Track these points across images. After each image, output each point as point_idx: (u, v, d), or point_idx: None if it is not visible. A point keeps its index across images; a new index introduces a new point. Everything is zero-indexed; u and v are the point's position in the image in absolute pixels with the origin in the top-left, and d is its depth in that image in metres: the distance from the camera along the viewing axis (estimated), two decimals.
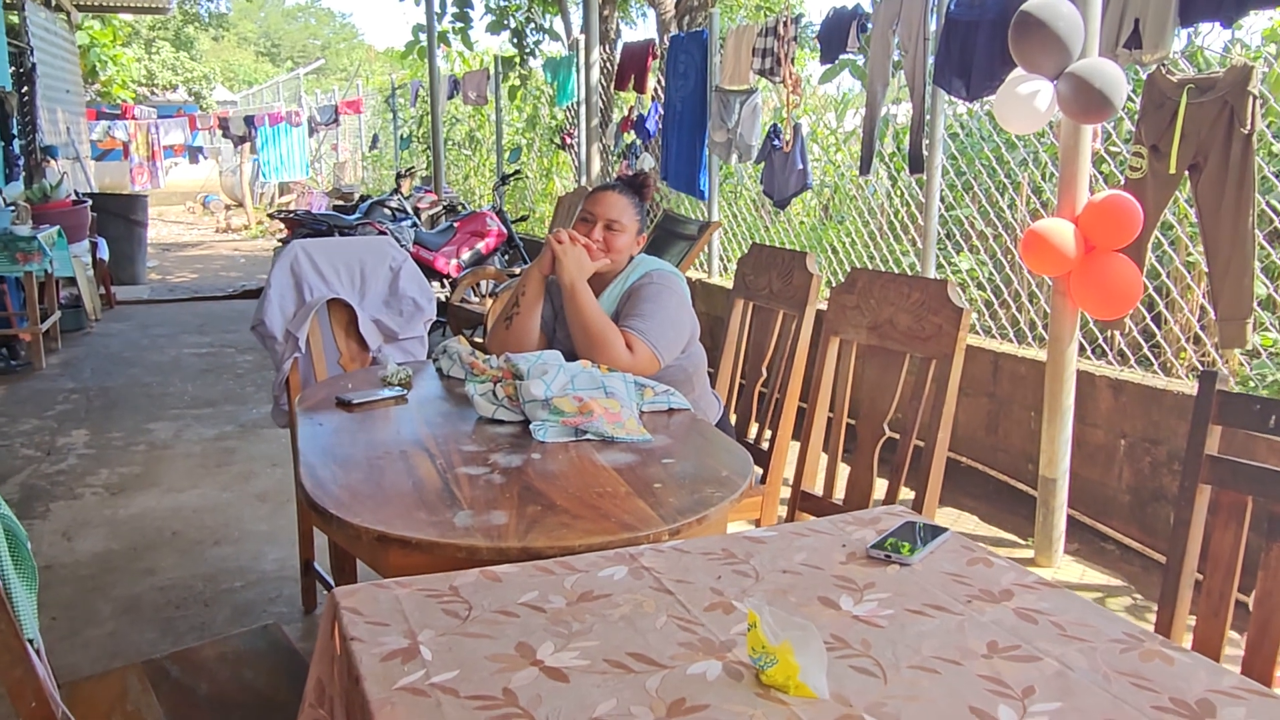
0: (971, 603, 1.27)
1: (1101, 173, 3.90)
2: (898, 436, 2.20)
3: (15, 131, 8.01)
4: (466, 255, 6.87)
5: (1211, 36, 3.89)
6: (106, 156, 15.23)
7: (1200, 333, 3.73)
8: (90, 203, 8.22)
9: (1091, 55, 2.97)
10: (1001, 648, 1.14)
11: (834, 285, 2.43)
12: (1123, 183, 3.24)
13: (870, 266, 5.06)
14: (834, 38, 4.63)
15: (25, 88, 8.57)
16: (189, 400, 5.39)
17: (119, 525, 3.61)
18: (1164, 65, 3.14)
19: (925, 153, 4.17)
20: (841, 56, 4.77)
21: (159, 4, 14.58)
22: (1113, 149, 4.00)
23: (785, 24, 4.94)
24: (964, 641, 1.16)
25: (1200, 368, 3.62)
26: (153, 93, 22.15)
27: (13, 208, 6.22)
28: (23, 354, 6.06)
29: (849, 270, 2.46)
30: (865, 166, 4.62)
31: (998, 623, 1.21)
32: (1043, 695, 1.04)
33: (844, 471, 2.34)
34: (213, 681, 1.73)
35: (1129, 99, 3.11)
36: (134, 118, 15.85)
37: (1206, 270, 3.04)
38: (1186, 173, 2.99)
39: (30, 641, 1.39)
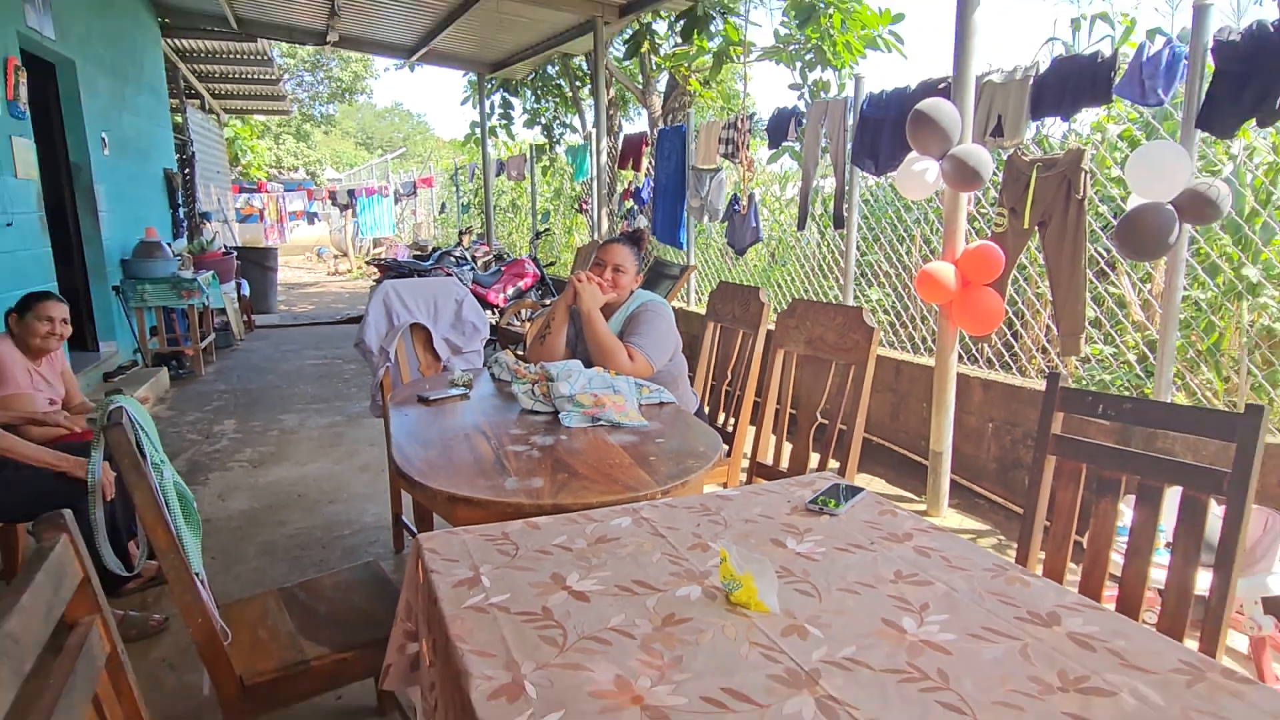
0: (882, 542, 1.27)
1: (974, 228, 3.90)
2: (827, 422, 2.21)
3: (180, 201, 8.02)
4: (511, 291, 6.87)
5: (1054, 128, 3.91)
6: (247, 220, 15.21)
7: (1046, 345, 3.74)
8: (235, 254, 8.23)
9: (967, 142, 2.99)
10: (904, 575, 1.15)
11: (779, 311, 2.44)
12: (990, 235, 3.26)
13: (806, 298, 5.07)
14: (778, 129, 4.65)
15: (187, 169, 8.57)
16: (309, 398, 5.37)
17: (259, 490, 3.60)
18: (1020, 149, 3.16)
19: (846, 214, 4.18)
20: (784, 144, 4.79)
21: (283, 107, 14.58)
22: (982, 210, 4.01)
23: (742, 120, 4.95)
24: (877, 570, 1.17)
25: (1047, 371, 3.63)
26: (280, 172, 22.13)
27: (179, 258, 6.22)
28: (188, 365, 6.06)
29: (790, 300, 2.47)
30: (801, 224, 4.62)
31: (901, 557, 1.21)
32: (935, 610, 1.04)
33: (787, 448, 2.35)
34: (329, 603, 1.73)
35: (994, 174, 3.12)
36: (266, 191, 15.85)
37: (1051, 299, 3.05)
38: (1037, 228, 3.00)
39: (197, 575, 1.39)
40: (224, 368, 6.41)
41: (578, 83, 9.43)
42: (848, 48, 5.91)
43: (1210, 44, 2.50)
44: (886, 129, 3.73)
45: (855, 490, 1.49)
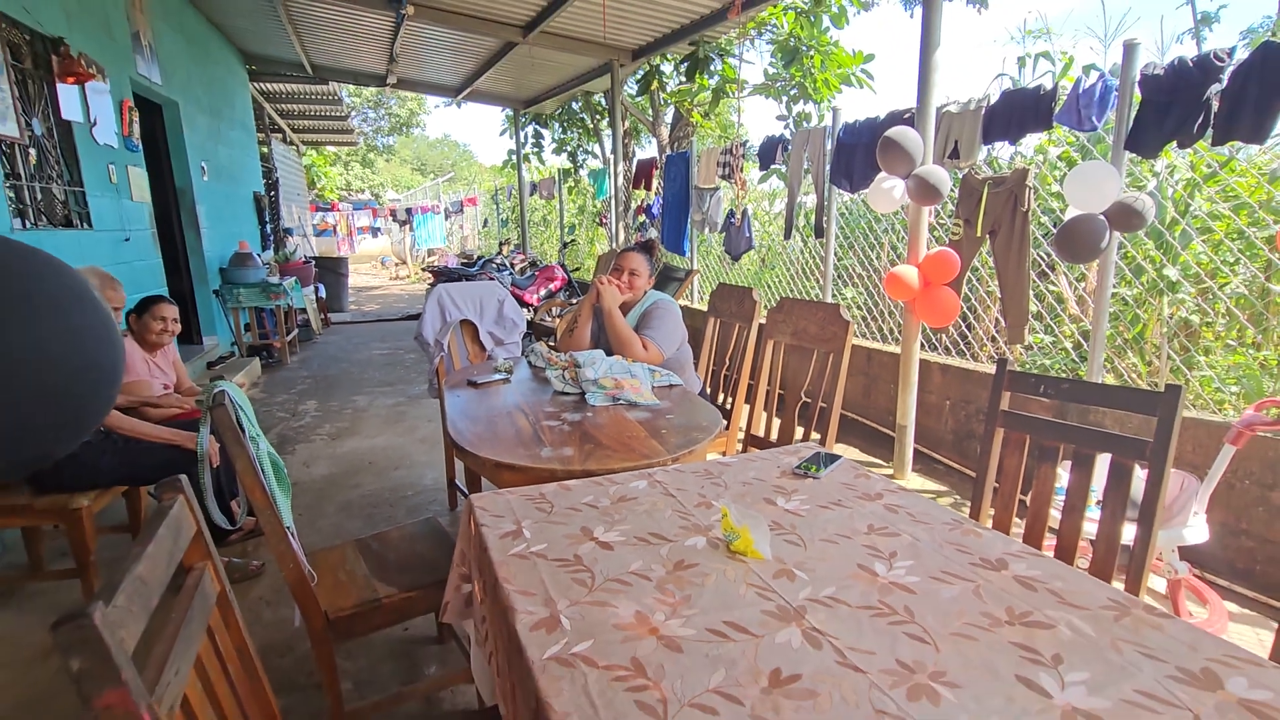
0: (857, 501, 1.26)
1: (933, 236, 3.86)
2: (810, 401, 2.20)
3: (267, 219, 8.07)
4: (543, 292, 6.86)
5: (1002, 150, 3.86)
6: (322, 234, 15.25)
7: (995, 335, 3.71)
8: (314, 262, 8.27)
9: (928, 163, 2.96)
10: (876, 528, 1.15)
11: (770, 308, 2.43)
12: (947, 242, 3.22)
13: (792, 297, 5.04)
14: (767, 154, 4.60)
15: (272, 192, 8.61)
16: (377, 382, 5.40)
17: (337, 458, 3.62)
18: (973, 169, 3.12)
19: (825, 225, 4.15)
20: (772, 166, 4.75)
21: (350, 139, 14.58)
22: (940, 221, 3.97)
23: (737, 146, 4.91)
24: (853, 524, 1.16)
25: (996, 357, 3.60)
26: (349, 194, 22.13)
27: (268, 266, 6.27)
28: (276, 355, 6.11)
29: (779, 299, 2.45)
30: (787, 234, 4.59)
31: (873, 513, 1.21)
32: (901, 557, 1.04)
33: (776, 423, 2.34)
34: (397, 551, 1.74)
35: (951, 190, 3.09)
36: (338, 210, 15.90)
37: (999, 296, 3.01)
38: (988, 236, 2.97)
39: (289, 528, 1.41)
40: (306, 357, 6.45)
41: (597, 116, 9.39)
42: (826, 84, 5.85)
43: (1138, 77, 2.45)
44: (860, 153, 3.69)
45: (834, 457, 1.48)
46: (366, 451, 3.73)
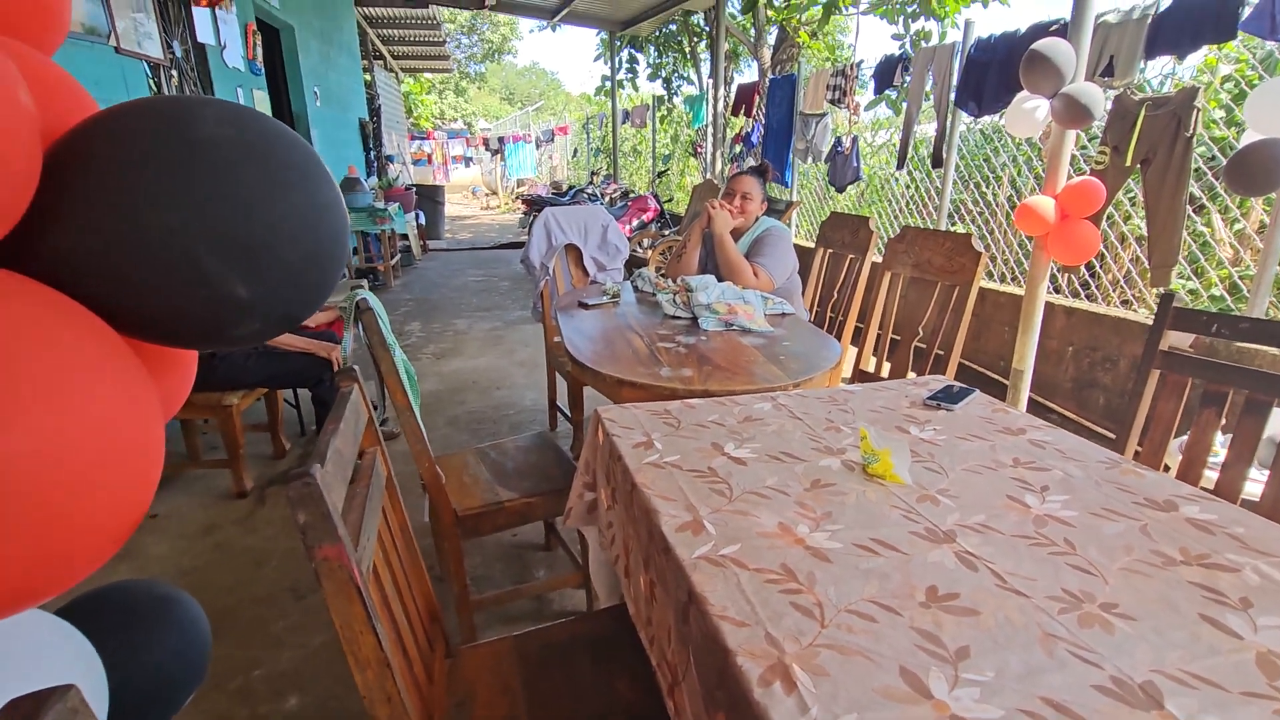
0: (998, 434, 1.20)
1: (1071, 167, 3.52)
2: (924, 346, 2.10)
3: (371, 146, 8.32)
4: (635, 222, 6.81)
5: (1152, 70, 3.44)
6: (418, 163, 15.65)
7: (1134, 276, 3.39)
8: (414, 190, 8.51)
9: (1079, 81, 2.66)
10: (1022, 461, 1.09)
11: (890, 238, 2.30)
12: (1089, 171, 2.93)
13: (891, 234, 4.77)
14: (885, 73, 4.28)
15: (374, 119, 8.83)
16: (474, 306, 5.57)
17: (443, 377, 3.79)
18: (1129, 88, 2.79)
19: (945, 154, 3.86)
20: (885, 91, 4.43)
21: (445, 66, 14.72)
22: (1082, 148, 3.60)
23: (851, 67, 4.59)
24: (996, 457, 1.11)
25: (1131, 302, 3.30)
26: (443, 123, 22.44)
27: (373, 191, 6.50)
28: (381, 278, 6.40)
29: (901, 227, 2.32)
30: (901, 163, 4.30)
31: (1017, 446, 1.15)
32: (1054, 491, 0.99)
33: (886, 366, 2.26)
34: (514, 460, 1.82)
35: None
36: (433, 138, 16.20)
37: (1145, 232, 2.74)
38: (1138, 165, 2.67)
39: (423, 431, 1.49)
40: (408, 281, 6.73)
41: (695, 39, 8.99)
42: None
43: None
44: (993, 71, 3.37)
45: (967, 390, 1.41)
46: (469, 371, 3.88)
